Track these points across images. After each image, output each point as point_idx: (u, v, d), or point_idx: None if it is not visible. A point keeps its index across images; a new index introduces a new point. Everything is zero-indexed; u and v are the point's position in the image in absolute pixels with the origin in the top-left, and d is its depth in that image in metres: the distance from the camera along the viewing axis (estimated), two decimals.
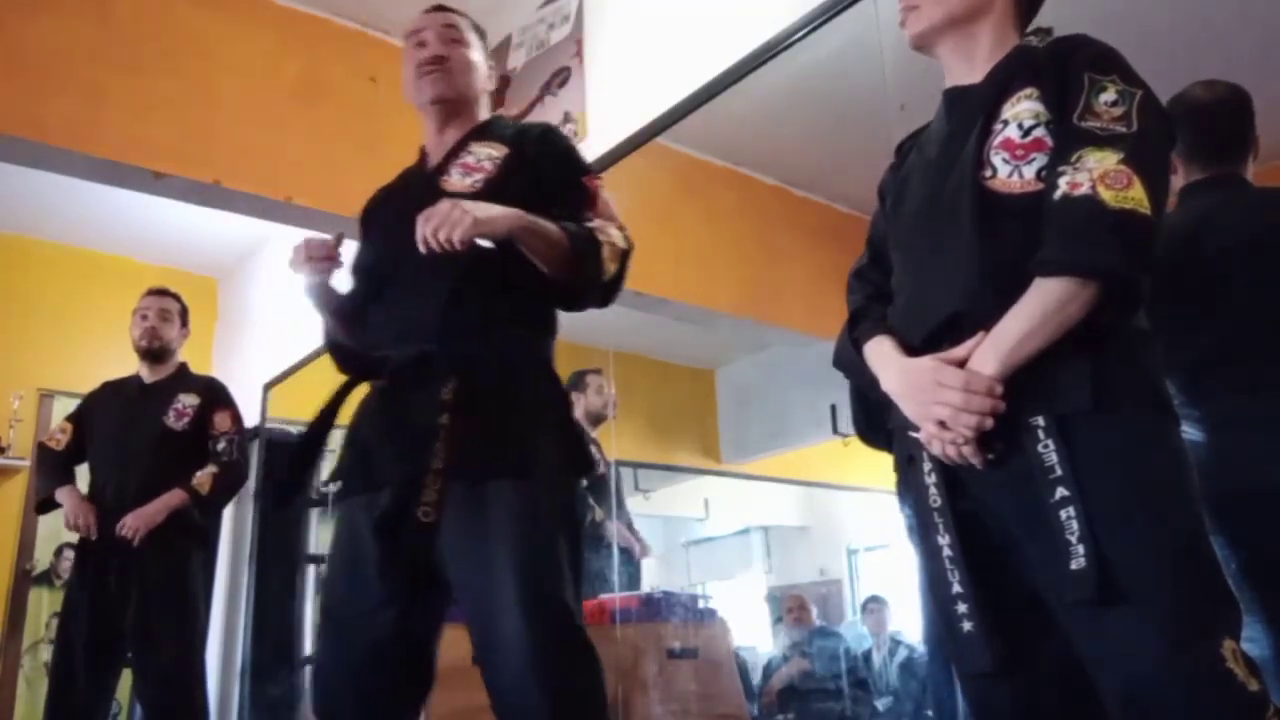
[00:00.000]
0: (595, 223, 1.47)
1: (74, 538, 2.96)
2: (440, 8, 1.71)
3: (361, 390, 1.53)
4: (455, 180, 1.55)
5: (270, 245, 4.69)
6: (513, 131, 1.62)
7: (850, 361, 1.29)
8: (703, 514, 5.06)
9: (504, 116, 1.74)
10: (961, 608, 1.10)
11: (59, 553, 4.27)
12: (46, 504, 2.96)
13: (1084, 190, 1.04)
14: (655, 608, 2.90)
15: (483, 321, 1.44)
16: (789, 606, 4.11)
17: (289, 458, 1.53)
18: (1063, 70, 1.15)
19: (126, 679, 2.99)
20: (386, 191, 1.74)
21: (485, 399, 1.39)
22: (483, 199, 1.42)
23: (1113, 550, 0.99)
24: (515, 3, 3.20)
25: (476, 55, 1.68)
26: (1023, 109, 1.16)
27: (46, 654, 4.05)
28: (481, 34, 1.73)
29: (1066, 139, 1.11)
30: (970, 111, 1.22)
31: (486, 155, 1.57)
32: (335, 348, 1.58)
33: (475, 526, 1.35)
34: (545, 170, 1.54)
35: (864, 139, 2.25)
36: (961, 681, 1.20)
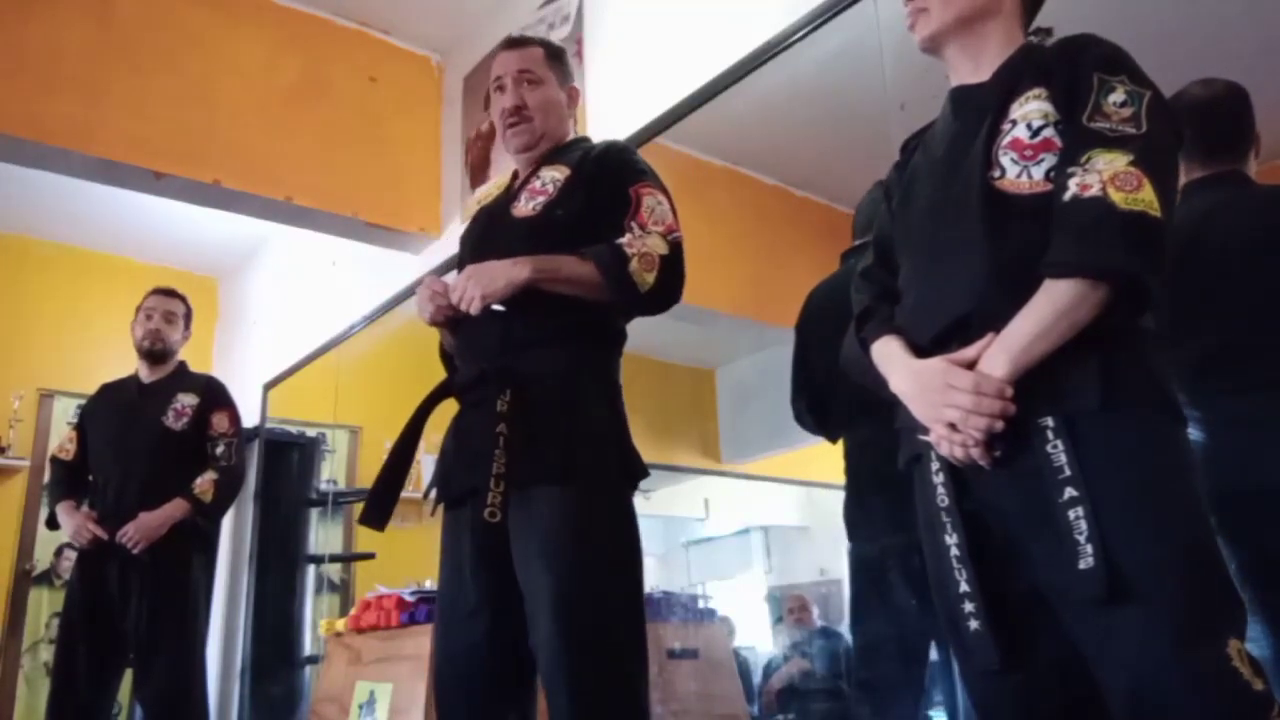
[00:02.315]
0: (629, 235, 1.51)
1: None
2: (512, 43, 1.75)
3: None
4: (521, 205, 1.64)
5: (270, 245, 4.69)
6: (581, 152, 1.68)
7: (858, 361, 1.29)
8: (703, 514, 5.05)
9: (586, 139, 1.81)
10: (968, 606, 1.11)
11: (59, 553, 4.27)
12: (54, 521, 2.97)
13: (1094, 192, 1.04)
14: (655, 608, 2.90)
15: (537, 340, 1.52)
16: (789, 606, 4.10)
17: (378, 481, 1.59)
18: (1071, 70, 1.14)
19: (125, 679, 2.99)
20: (477, 213, 1.81)
21: (537, 410, 1.48)
22: (541, 221, 1.59)
23: (1120, 550, 0.99)
24: (515, 3, 3.20)
25: (553, 90, 1.73)
26: (1031, 109, 1.16)
27: (46, 654, 4.06)
28: (558, 56, 1.77)
29: (1076, 140, 1.10)
30: (978, 111, 1.21)
31: (551, 179, 1.64)
32: (445, 358, 1.72)
33: (526, 530, 1.45)
34: (599, 186, 1.60)
35: (864, 139, 2.25)
36: (966, 679, 1.20)
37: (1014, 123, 1.17)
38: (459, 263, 1.76)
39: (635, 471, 1.56)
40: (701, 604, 3.24)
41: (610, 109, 2.73)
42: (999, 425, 1.06)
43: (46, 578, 4.30)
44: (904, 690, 2.12)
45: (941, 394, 1.10)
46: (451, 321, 1.59)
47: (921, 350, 1.19)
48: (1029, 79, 1.18)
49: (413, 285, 3.03)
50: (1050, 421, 1.05)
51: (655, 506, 4.62)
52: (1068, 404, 1.05)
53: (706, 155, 2.97)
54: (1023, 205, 1.13)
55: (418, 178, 3.45)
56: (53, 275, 4.61)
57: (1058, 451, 1.04)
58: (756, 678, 3.91)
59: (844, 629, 4.27)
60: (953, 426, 1.09)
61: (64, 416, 4.41)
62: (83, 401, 3.20)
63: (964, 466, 1.12)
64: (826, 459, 2.37)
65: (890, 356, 1.22)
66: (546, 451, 1.46)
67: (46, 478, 3.16)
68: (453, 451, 1.59)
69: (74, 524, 2.83)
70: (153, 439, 2.92)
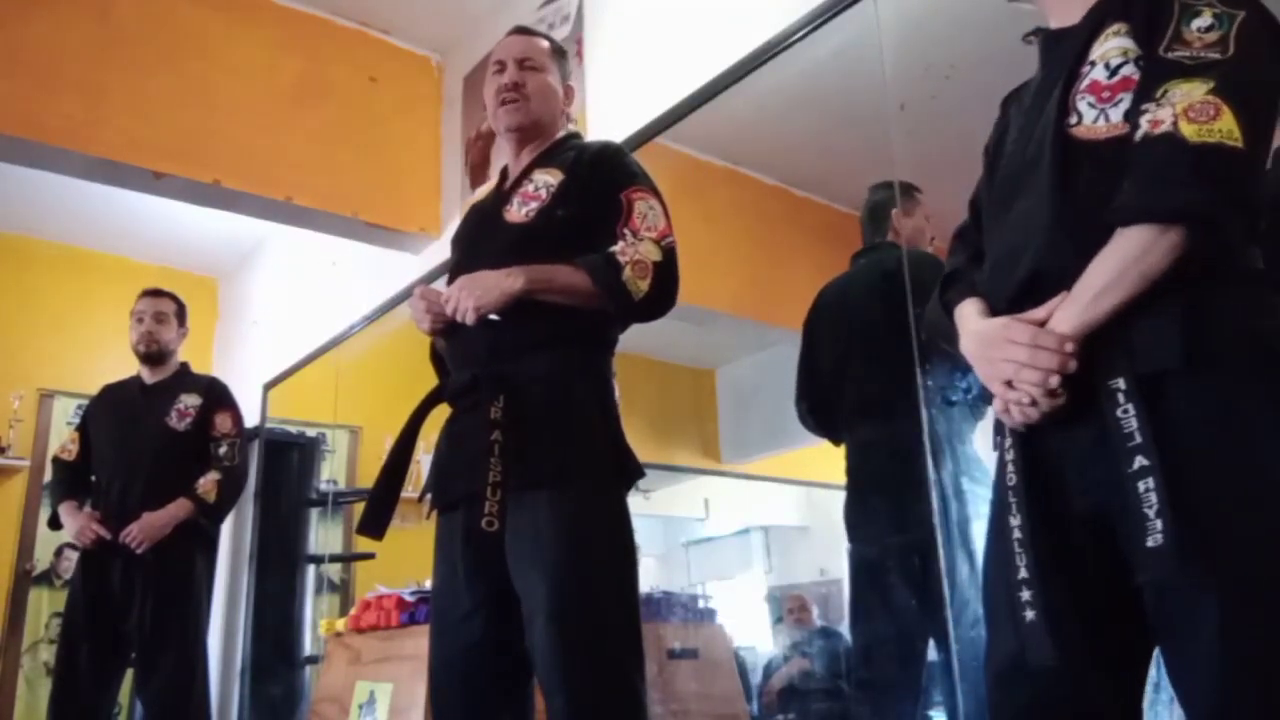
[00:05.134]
0: (621, 243, 1.50)
1: None
2: (520, 30, 1.78)
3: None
4: (514, 210, 1.63)
5: (270, 245, 4.69)
6: (574, 154, 1.65)
7: (941, 327, 1.22)
8: (703, 514, 5.05)
9: (577, 136, 1.79)
10: (1026, 594, 1.01)
11: (59, 553, 4.27)
12: (57, 521, 2.97)
13: (1165, 128, 0.94)
14: (655, 608, 2.90)
15: (529, 343, 1.51)
16: (789, 607, 4.10)
17: (374, 490, 1.58)
18: None
19: (126, 679, 2.99)
20: (469, 213, 1.80)
21: (530, 415, 1.47)
22: (534, 227, 1.57)
23: (1199, 528, 0.90)
24: (515, 3, 3.20)
25: (554, 80, 1.73)
26: (1110, 47, 1.06)
27: (46, 654, 4.06)
28: (561, 54, 1.78)
29: (1152, 73, 1.01)
30: (1064, 55, 1.13)
31: (544, 183, 1.62)
32: (436, 362, 1.71)
33: (522, 534, 1.44)
34: (594, 191, 1.59)
35: (864, 139, 2.25)
36: (999, 673, 1.09)
37: (1093, 64, 1.07)
38: (451, 264, 1.75)
39: (630, 471, 1.55)
40: (701, 604, 3.24)
41: (610, 109, 2.73)
42: (1054, 380, 0.98)
43: (47, 578, 4.30)
44: (903, 690, 2.12)
45: (1000, 349, 1.03)
46: (448, 329, 1.59)
47: (998, 312, 1.11)
48: (1112, 15, 1.08)
49: (413, 285, 3.03)
50: (1122, 384, 0.95)
51: (655, 506, 4.62)
52: (1141, 362, 0.96)
53: (706, 155, 2.96)
54: (1098, 152, 1.03)
55: (418, 178, 3.45)
56: (53, 275, 4.60)
57: (1128, 417, 0.94)
58: (756, 678, 3.91)
59: (844, 629, 4.27)
60: (1009, 384, 1.02)
61: (64, 416, 4.41)
62: (83, 402, 3.21)
63: (1041, 440, 1.04)
64: (826, 459, 2.37)
65: (963, 319, 1.15)
66: (540, 456, 1.45)
67: (47, 478, 3.17)
68: (446, 456, 1.58)
69: (77, 524, 2.84)
70: (156, 439, 2.93)
